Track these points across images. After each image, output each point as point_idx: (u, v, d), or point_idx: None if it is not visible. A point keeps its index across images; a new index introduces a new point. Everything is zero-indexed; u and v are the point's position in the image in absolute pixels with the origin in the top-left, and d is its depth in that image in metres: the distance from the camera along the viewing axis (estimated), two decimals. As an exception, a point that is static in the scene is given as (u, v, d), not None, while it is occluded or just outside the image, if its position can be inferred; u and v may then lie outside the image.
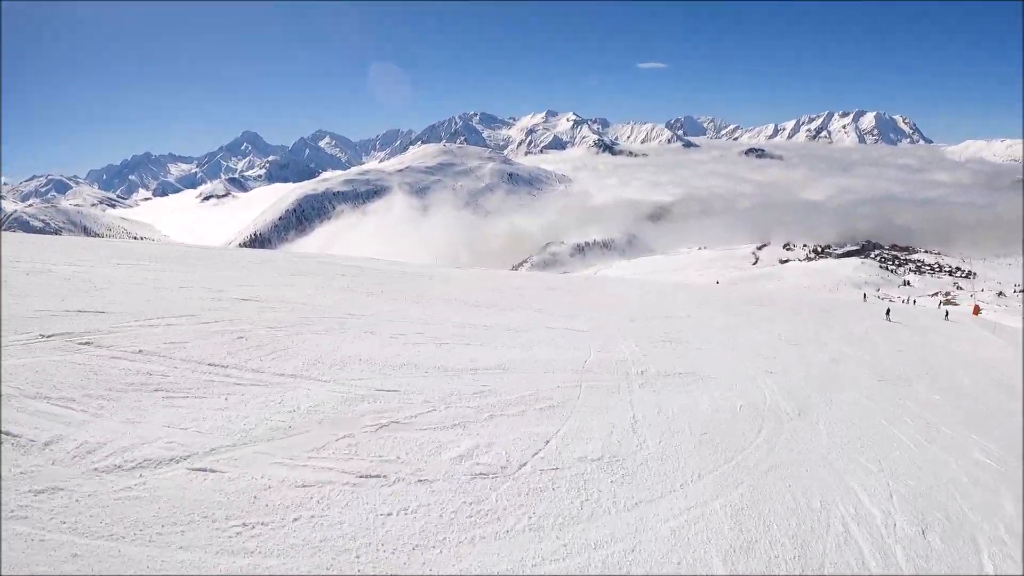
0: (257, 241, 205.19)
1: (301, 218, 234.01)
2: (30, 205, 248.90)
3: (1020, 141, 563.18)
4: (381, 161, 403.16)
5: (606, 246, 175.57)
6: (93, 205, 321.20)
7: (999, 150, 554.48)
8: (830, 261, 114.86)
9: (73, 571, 2.76)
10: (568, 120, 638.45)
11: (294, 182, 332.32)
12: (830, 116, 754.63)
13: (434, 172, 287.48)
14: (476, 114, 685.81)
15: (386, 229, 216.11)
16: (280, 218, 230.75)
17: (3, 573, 2.10)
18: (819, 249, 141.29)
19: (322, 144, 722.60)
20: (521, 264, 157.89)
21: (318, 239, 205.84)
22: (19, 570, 2.68)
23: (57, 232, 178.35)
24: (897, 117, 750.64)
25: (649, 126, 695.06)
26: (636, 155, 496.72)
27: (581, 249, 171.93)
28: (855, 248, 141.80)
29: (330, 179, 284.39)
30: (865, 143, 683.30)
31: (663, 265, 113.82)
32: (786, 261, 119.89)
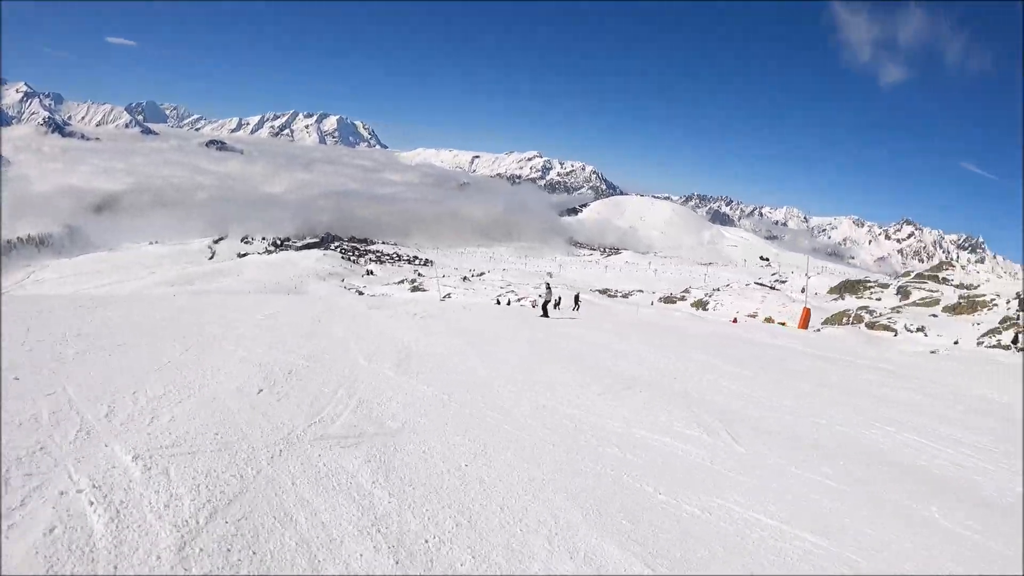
0: None
1: None
2: None
3: (463, 152, 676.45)
4: None
5: (42, 243, 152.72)
6: None
7: (447, 158, 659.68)
8: (291, 253, 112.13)
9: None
10: (18, 91, 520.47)
11: None
12: (295, 115, 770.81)
13: None
14: None
15: None
16: None
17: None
18: (279, 242, 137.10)
19: None
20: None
21: None
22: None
23: None
24: (358, 123, 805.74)
25: (108, 107, 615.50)
26: (89, 139, 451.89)
27: (12, 246, 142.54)
28: (315, 240, 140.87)
29: None
30: (326, 144, 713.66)
31: (108, 264, 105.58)
32: (245, 255, 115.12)
